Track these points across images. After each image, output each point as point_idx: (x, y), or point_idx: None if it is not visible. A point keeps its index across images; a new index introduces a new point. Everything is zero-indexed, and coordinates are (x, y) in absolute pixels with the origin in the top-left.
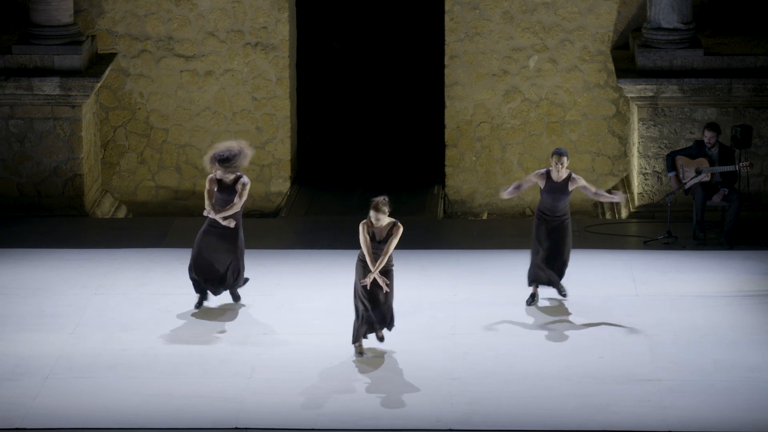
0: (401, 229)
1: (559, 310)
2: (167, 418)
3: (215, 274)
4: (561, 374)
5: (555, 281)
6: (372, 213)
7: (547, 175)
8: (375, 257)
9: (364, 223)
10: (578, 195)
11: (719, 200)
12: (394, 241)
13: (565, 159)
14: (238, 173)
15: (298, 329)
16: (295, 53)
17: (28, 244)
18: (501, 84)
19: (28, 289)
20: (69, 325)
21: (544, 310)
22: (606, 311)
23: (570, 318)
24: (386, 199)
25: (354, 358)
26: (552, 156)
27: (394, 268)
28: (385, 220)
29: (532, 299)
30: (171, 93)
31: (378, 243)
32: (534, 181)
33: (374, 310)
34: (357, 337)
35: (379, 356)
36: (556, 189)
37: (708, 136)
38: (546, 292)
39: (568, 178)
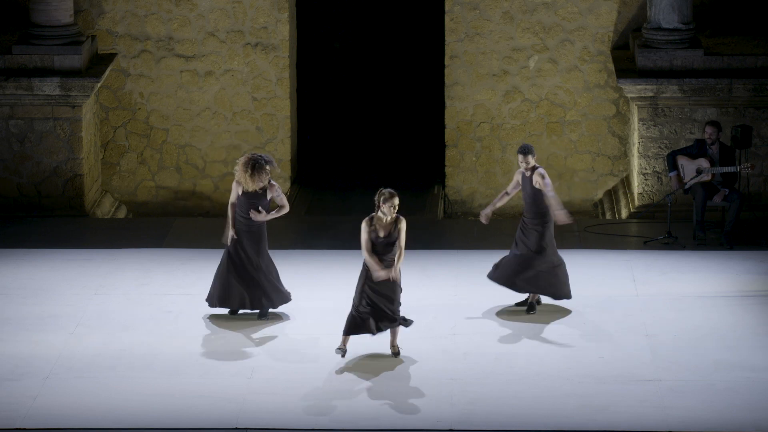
0: (405, 221)
1: (559, 311)
2: (167, 418)
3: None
4: (561, 374)
5: (511, 286)
6: (390, 201)
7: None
8: (382, 254)
9: (368, 221)
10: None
11: (720, 200)
12: (403, 236)
13: (530, 158)
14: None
15: (299, 329)
16: (295, 53)
17: (29, 244)
18: (501, 84)
19: (29, 289)
20: (69, 325)
21: (543, 310)
22: (606, 311)
23: (570, 318)
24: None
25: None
26: (518, 155)
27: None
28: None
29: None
30: (171, 93)
31: (384, 238)
32: (517, 179)
33: (388, 308)
34: (349, 331)
35: (380, 357)
36: (525, 183)
37: (708, 132)
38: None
39: (533, 171)
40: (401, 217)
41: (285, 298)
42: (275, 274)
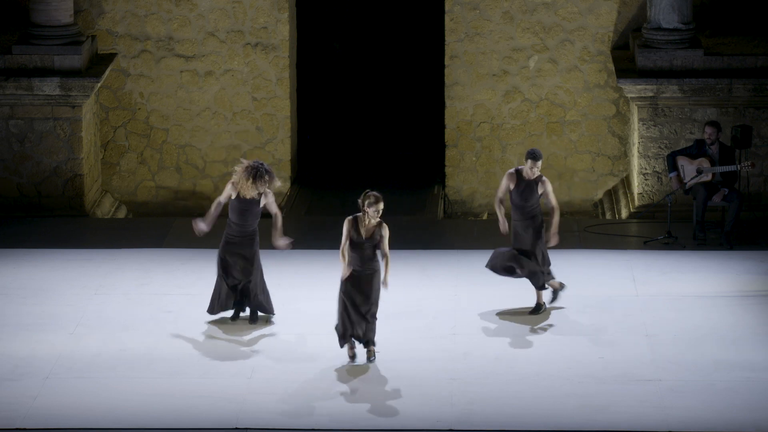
0: (387, 228)
1: (559, 311)
2: (167, 418)
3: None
4: (561, 374)
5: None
6: (375, 206)
7: (517, 173)
8: (362, 255)
9: (351, 221)
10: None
11: (719, 200)
12: (386, 243)
13: (540, 164)
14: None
15: (298, 329)
16: (295, 53)
17: (29, 244)
18: (501, 84)
19: (29, 289)
20: (69, 325)
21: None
22: (606, 311)
23: (570, 318)
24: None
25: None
26: (527, 160)
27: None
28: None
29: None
30: (171, 93)
31: (366, 241)
32: (507, 184)
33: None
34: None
35: (379, 357)
36: (526, 187)
37: (708, 132)
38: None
39: (539, 179)
40: (384, 224)
41: (267, 307)
42: (263, 281)
